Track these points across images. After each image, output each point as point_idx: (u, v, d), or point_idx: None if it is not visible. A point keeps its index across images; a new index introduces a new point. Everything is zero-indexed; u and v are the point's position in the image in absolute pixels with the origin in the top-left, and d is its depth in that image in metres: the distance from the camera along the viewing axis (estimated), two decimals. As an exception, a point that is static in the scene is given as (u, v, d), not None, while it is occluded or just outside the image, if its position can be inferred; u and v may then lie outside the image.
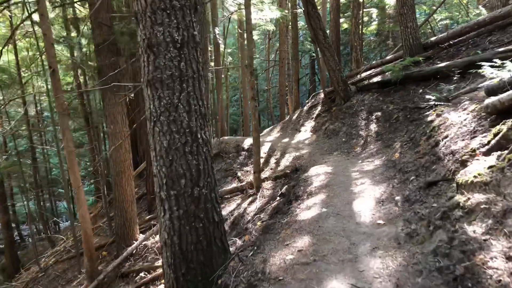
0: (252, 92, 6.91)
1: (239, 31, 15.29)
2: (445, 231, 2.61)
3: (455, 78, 6.95)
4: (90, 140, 13.27)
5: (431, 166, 3.75)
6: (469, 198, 2.59)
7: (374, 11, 14.69)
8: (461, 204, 2.63)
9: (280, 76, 16.22)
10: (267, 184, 7.11)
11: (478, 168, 2.76)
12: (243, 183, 8.03)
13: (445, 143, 3.79)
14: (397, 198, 3.76)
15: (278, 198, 5.81)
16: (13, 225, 16.56)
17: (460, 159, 3.21)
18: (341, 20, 13.89)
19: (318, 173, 5.56)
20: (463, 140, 3.49)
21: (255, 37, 21.02)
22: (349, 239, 3.26)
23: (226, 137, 12.53)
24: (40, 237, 16.40)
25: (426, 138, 4.72)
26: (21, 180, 13.56)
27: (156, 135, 2.98)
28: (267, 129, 12.50)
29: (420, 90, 8.00)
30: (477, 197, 2.53)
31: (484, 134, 3.22)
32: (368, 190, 4.37)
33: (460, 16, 14.83)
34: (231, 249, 4.13)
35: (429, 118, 5.39)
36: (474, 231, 2.37)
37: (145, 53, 2.91)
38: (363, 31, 14.43)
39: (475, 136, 3.32)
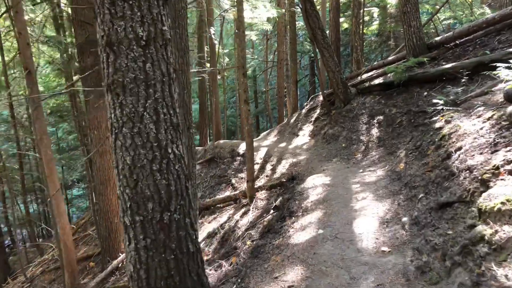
0: (245, 94, 6.42)
1: (236, 31, 14.81)
2: (467, 271, 2.12)
3: (463, 80, 6.47)
4: (81, 144, 12.79)
5: (443, 183, 3.25)
6: (496, 231, 2.10)
7: (375, 10, 14.20)
8: (486, 238, 2.13)
9: (278, 77, 15.72)
10: (261, 194, 6.62)
11: (506, 191, 2.27)
12: (237, 192, 7.55)
13: (459, 156, 3.30)
14: (404, 219, 3.26)
15: (271, 211, 5.32)
16: (6, 229, 16.06)
17: (480, 177, 2.72)
18: (341, 19, 13.41)
19: (315, 185, 5.06)
20: (481, 153, 3.00)
21: (253, 38, 20.51)
22: (349, 271, 2.77)
23: (221, 141, 12.05)
24: (32, 244, 15.91)
25: (434, 147, 4.23)
26: (11, 185, 13.08)
27: (118, 150, 2.50)
28: (264, 133, 12.02)
29: (425, 93, 7.55)
30: (508, 230, 2.04)
31: (508, 148, 2.72)
32: (370, 207, 3.88)
33: (464, 15, 14.32)
34: (216, 273, 3.64)
35: (437, 125, 4.90)
36: (506, 277, 1.87)
37: (104, 52, 2.43)
38: (364, 31, 13.94)
39: (497, 150, 2.83)
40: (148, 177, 2.48)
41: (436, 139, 4.39)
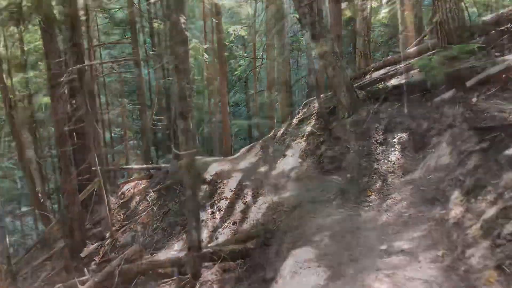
0: (181, 103, 3.74)
1: (214, 20, 12.17)
2: None
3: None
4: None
5: None
6: None
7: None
8: None
9: (268, 77, 13.11)
10: (211, 273, 3.94)
11: None
12: (182, 255, 4.84)
13: None
14: None
15: None
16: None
17: None
18: (343, 5, 10.76)
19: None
20: None
21: (243, 33, 17.82)
22: None
23: (190, 159, 9.33)
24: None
25: None
26: None
27: None
28: (243, 149, 9.28)
29: (474, 99, 5.03)
30: None
31: None
32: None
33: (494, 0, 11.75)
34: None
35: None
36: None
37: None
38: (371, 20, 11.28)
39: None
40: None
41: None
